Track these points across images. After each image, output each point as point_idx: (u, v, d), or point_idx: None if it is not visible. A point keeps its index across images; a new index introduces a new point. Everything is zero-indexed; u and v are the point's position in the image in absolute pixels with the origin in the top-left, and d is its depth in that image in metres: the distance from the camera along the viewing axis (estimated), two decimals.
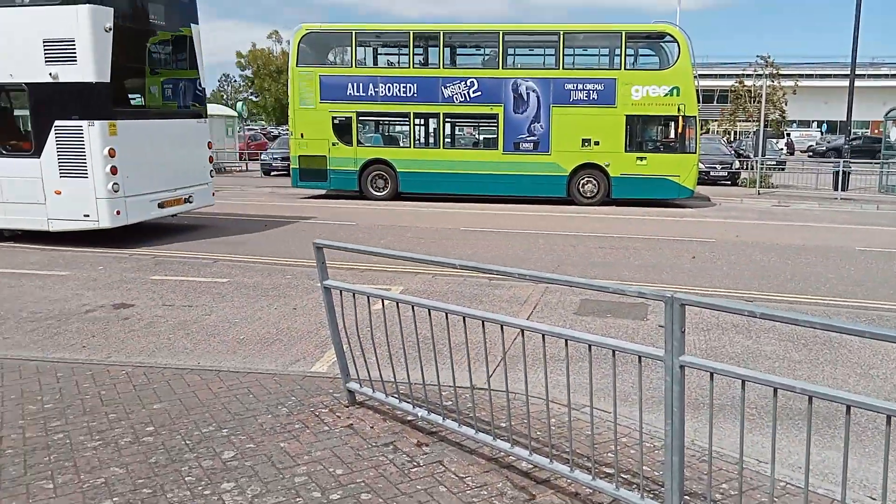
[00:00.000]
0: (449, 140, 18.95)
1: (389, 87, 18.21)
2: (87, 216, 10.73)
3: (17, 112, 11.40)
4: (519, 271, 3.43)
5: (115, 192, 10.65)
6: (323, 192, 19.52)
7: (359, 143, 18.66)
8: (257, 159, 29.98)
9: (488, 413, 4.14)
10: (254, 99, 59.04)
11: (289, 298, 7.87)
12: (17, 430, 4.17)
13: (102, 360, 5.67)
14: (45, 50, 10.37)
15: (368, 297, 4.25)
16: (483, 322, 3.57)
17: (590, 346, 3.17)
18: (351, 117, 18.42)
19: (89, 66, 10.33)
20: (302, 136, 18.66)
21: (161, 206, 11.76)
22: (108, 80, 10.50)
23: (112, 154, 10.54)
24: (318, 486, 3.49)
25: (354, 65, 18.61)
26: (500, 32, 17.91)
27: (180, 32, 12.51)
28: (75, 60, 10.32)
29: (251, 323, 6.93)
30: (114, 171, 10.58)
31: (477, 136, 20.08)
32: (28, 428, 4.21)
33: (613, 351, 3.13)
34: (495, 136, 18.18)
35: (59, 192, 10.72)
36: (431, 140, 18.87)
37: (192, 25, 12.65)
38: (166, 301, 7.75)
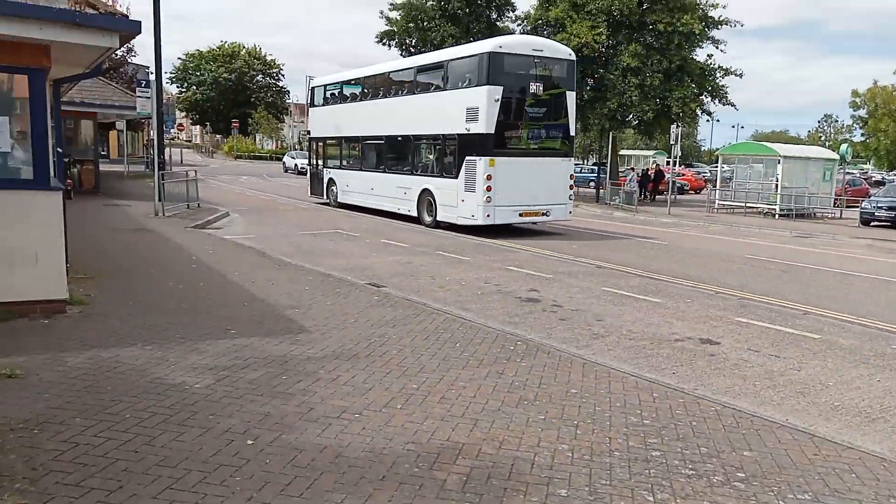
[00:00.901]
0: None
1: None
2: (473, 216, 16.62)
3: (441, 151, 18.05)
4: None
5: (488, 202, 16.32)
6: None
7: None
8: (854, 206, 27.08)
9: None
10: (861, 140, 53.35)
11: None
12: (622, 436, 4.74)
13: (690, 390, 5.95)
14: (465, 114, 16.62)
15: None
16: None
17: None
18: None
19: (483, 123, 16.26)
20: None
21: (521, 215, 17.06)
22: (493, 132, 16.26)
23: (489, 178, 16.25)
24: None
25: None
26: None
27: (555, 97, 17.32)
28: (477, 120, 16.34)
29: (848, 390, 6.26)
30: (488, 189, 16.26)
31: None
32: (631, 437, 4.73)
33: None
34: None
35: (463, 201, 16.90)
36: None
37: (567, 92, 17.52)
38: (752, 346, 7.67)
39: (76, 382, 5.09)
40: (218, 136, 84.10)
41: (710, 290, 10.90)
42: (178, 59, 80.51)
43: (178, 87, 78.30)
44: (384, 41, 41.69)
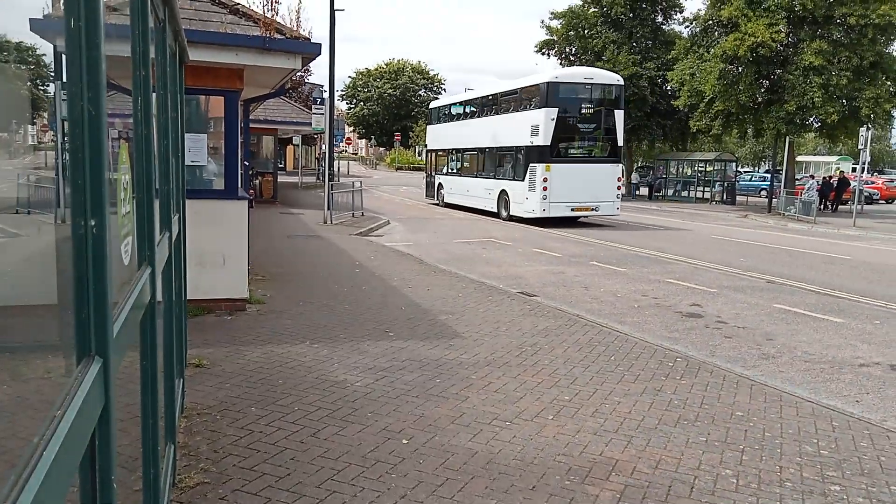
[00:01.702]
0: None
1: None
2: (533, 210, 20.58)
3: (514, 159, 22.05)
4: None
5: (544, 199, 20.29)
6: None
7: None
8: None
9: None
10: None
11: None
12: (795, 466, 4.36)
13: (878, 421, 5.35)
14: (530, 130, 20.76)
15: None
16: None
17: None
18: None
19: (541, 137, 20.42)
20: None
21: (573, 210, 20.74)
22: (549, 144, 20.38)
23: (545, 180, 20.28)
24: None
25: None
26: None
27: (604, 115, 21.23)
28: (538, 135, 20.49)
29: None
30: (545, 189, 20.24)
31: None
32: (805, 468, 4.33)
33: None
34: None
35: (527, 198, 20.83)
36: None
37: (616, 111, 21.40)
38: None
39: (253, 374, 5.58)
40: (381, 148, 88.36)
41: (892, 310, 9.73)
42: (349, 77, 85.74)
43: (347, 103, 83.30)
44: (543, 51, 41.79)
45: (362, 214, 20.62)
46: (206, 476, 3.81)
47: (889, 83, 27.83)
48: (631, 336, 7.55)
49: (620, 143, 21.89)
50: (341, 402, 5.08)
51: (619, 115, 21.48)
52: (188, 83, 5.96)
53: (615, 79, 22.04)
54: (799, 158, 57.11)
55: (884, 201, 38.83)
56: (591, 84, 21.40)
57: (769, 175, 36.26)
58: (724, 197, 35.64)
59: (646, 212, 29.51)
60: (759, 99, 30.85)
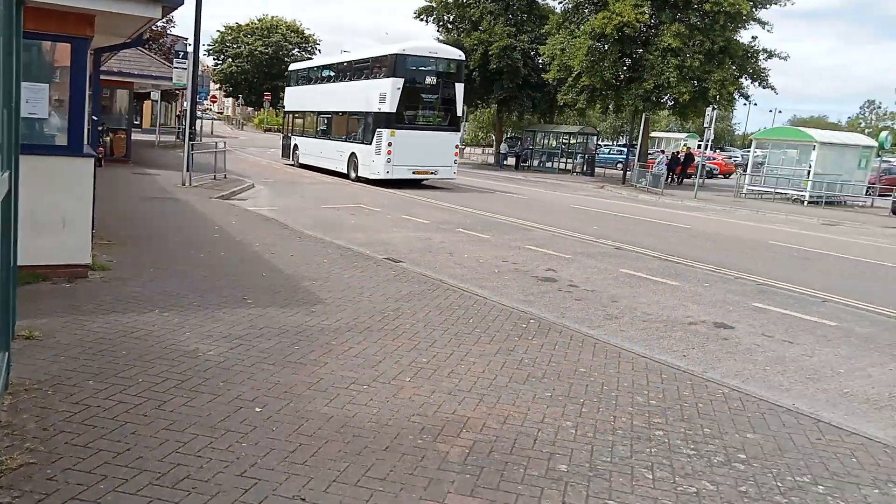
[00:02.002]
0: None
1: None
2: (378, 172, 21.97)
3: (363, 124, 23.27)
4: None
5: (388, 162, 21.70)
6: None
7: None
8: (889, 195, 26.46)
9: None
10: None
11: None
12: (626, 415, 4.76)
13: (700, 373, 5.95)
14: (378, 97, 22.11)
15: None
16: None
17: None
18: None
19: (388, 105, 21.76)
20: None
21: (414, 173, 22.27)
22: (395, 111, 21.72)
23: (390, 145, 21.66)
24: None
25: None
26: None
27: (445, 86, 22.79)
28: (385, 102, 21.83)
29: (858, 378, 6.21)
30: (389, 153, 21.65)
31: None
32: (635, 416, 4.75)
33: None
34: None
35: (373, 161, 22.19)
36: None
37: (456, 84, 23.18)
38: (766, 331, 7.61)
39: (93, 346, 5.25)
40: (250, 108, 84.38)
41: (730, 274, 10.79)
42: (218, 31, 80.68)
43: (214, 59, 78.53)
44: (422, 17, 41.57)
45: (225, 177, 19.72)
46: (31, 456, 3.56)
47: (734, 68, 30.24)
48: (489, 299, 7.84)
49: (459, 112, 23.94)
50: (191, 371, 4.91)
51: (460, 87, 23.36)
52: (29, 27, 5.36)
53: (457, 54, 23.86)
54: (653, 134, 60.93)
55: (723, 176, 42.51)
56: (436, 58, 22.99)
57: (625, 149, 38.51)
58: (585, 168, 37.50)
59: (513, 181, 30.49)
60: (622, 76, 32.53)
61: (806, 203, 26.58)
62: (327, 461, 3.79)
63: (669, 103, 33.41)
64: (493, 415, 4.61)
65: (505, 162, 43.02)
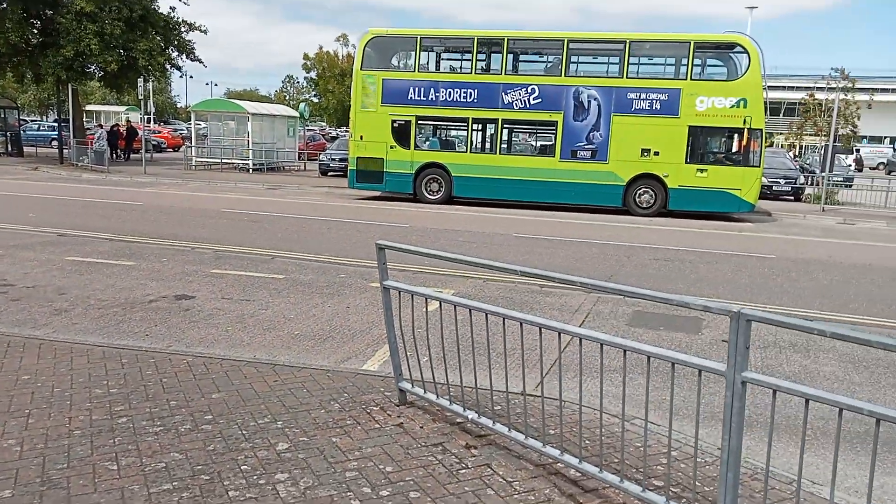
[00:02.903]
0: (506, 146, 18.97)
1: (450, 91, 18.35)
2: None
3: None
4: (582, 280, 3.40)
5: None
6: (378, 193, 19.79)
7: (416, 146, 18.87)
8: (315, 159, 30.58)
9: (538, 419, 4.14)
10: (316, 100, 60.23)
11: (342, 297, 8.02)
12: (84, 412, 4.37)
13: (164, 349, 5.88)
14: None
15: (426, 299, 4.32)
16: (540, 329, 3.58)
17: (649, 357, 3.14)
18: (410, 121, 18.64)
19: None
20: (361, 138, 19.00)
21: None
22: None
23: None
24: (368, 482, 3.55)
25: (417, 69, 18.82)
26: (565, 40, 17.81)
27: None
28: None
29: (306, 319, 7.09)
30: None
31: (534, 142, 20.04)
32: (95, 411, 4.40)
33: (673, 364, 3.09)
34: (553, 143, 18.09)
35: None
36: (488, 145, 18.91)
37: None
38: (225, 294, 7.99)
39: None
40: None
41: (187, 246, 10.90)
42: None
43: None
44: None
45: None
46: None
47: (159, 38, 29.86)
48: None
49: None
50: None
51: None
52: None
53: None
54: (89, 108, 56.16)
55: (172, 150, 42.22)
56: None
57: (57, 124, 34.58)
58: (10, 148, 32.31)
59: None
60: (34, 41, 28.72)
61: (251, 171, 28.63)
62: None
63: (98, 73, 31.21)
64: None
65: None
